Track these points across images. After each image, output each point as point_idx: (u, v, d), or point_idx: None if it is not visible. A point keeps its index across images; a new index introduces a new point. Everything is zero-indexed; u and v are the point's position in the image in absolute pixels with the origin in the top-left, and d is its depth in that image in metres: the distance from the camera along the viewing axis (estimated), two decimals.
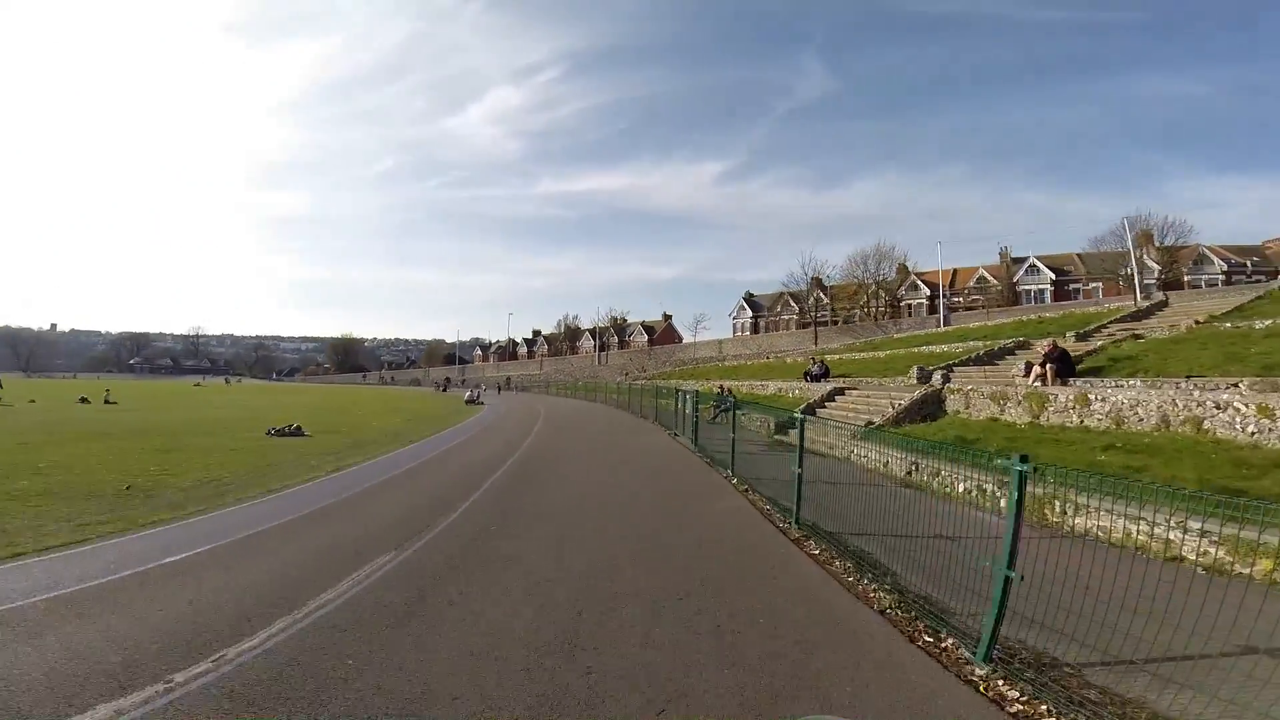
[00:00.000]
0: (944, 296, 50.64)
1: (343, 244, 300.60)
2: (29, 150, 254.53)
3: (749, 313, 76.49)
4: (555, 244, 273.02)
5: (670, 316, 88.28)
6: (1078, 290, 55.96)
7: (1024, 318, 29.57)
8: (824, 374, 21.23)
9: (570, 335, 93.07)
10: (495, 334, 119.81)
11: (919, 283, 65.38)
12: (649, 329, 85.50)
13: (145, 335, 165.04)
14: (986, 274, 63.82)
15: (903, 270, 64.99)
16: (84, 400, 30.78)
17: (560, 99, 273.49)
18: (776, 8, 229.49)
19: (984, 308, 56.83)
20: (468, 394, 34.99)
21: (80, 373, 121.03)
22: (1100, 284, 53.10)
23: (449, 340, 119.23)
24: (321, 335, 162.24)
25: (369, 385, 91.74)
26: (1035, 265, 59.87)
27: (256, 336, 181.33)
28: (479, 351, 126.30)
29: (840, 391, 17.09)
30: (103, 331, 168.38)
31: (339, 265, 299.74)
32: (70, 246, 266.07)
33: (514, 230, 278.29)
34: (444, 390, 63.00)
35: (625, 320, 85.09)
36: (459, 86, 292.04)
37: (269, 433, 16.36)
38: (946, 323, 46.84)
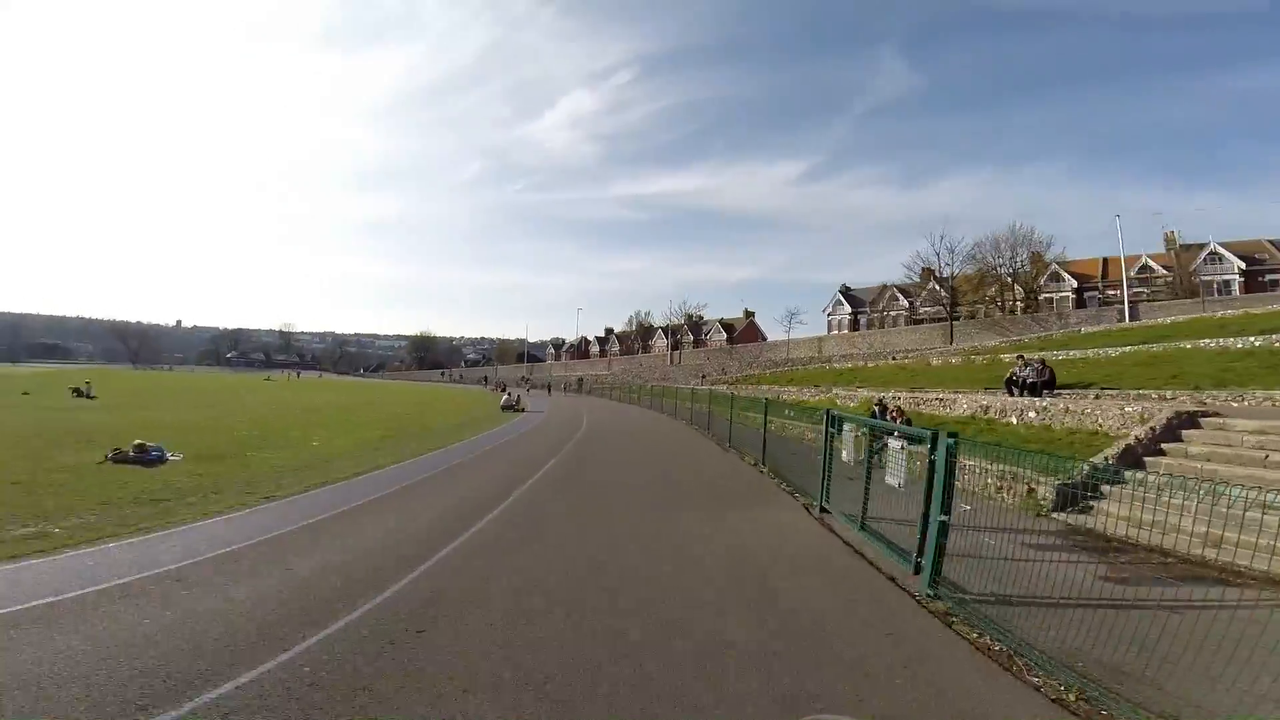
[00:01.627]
0: (1124, 286, 38.91)
1: (432, 246, 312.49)
2: (158, 164, 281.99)
3: (847, 308, 66.60)
4: (628, 245, 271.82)
5: (752, 313, 79.47)
6: (1275, 281, 45.70)
7: (1223, 313, 19.88)
8: (1048, 382, 12.35)
9: (643, 333, 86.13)
10: (575, 332, 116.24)
11: (1062, 273, 53.07)
12: (728, 327, 76.95)
13: (242, 330, 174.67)
14: (1152, 263, 51.46)
15: (1038, 259, 52.62)
16: (78, 393, 27.02)
17: (633, 101, 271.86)
18: (850, 7, 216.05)
19: (1149, 300, 45.06)
20: (504, 397, 28.24)
21: (186, 366, 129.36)
22: None
23: (531, 340, 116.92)
24: (410, 333, 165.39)
25: (428, 383, 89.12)
26: (1218, 252, 48.14)
27: (354, 334, 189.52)
28: (551, 350, 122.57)
29: (1193, 422, 8.08)
30: (220, 327, 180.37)
31: (428, 266, 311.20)
32: (192, 248, 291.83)
33: (588, 232, 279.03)
34: (502, 390, 57.76)
35: (701, 317, 76.59)
36: (536, 91, 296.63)
37: (109, 457, 9.94)
38: (1134, 316, 35.78)
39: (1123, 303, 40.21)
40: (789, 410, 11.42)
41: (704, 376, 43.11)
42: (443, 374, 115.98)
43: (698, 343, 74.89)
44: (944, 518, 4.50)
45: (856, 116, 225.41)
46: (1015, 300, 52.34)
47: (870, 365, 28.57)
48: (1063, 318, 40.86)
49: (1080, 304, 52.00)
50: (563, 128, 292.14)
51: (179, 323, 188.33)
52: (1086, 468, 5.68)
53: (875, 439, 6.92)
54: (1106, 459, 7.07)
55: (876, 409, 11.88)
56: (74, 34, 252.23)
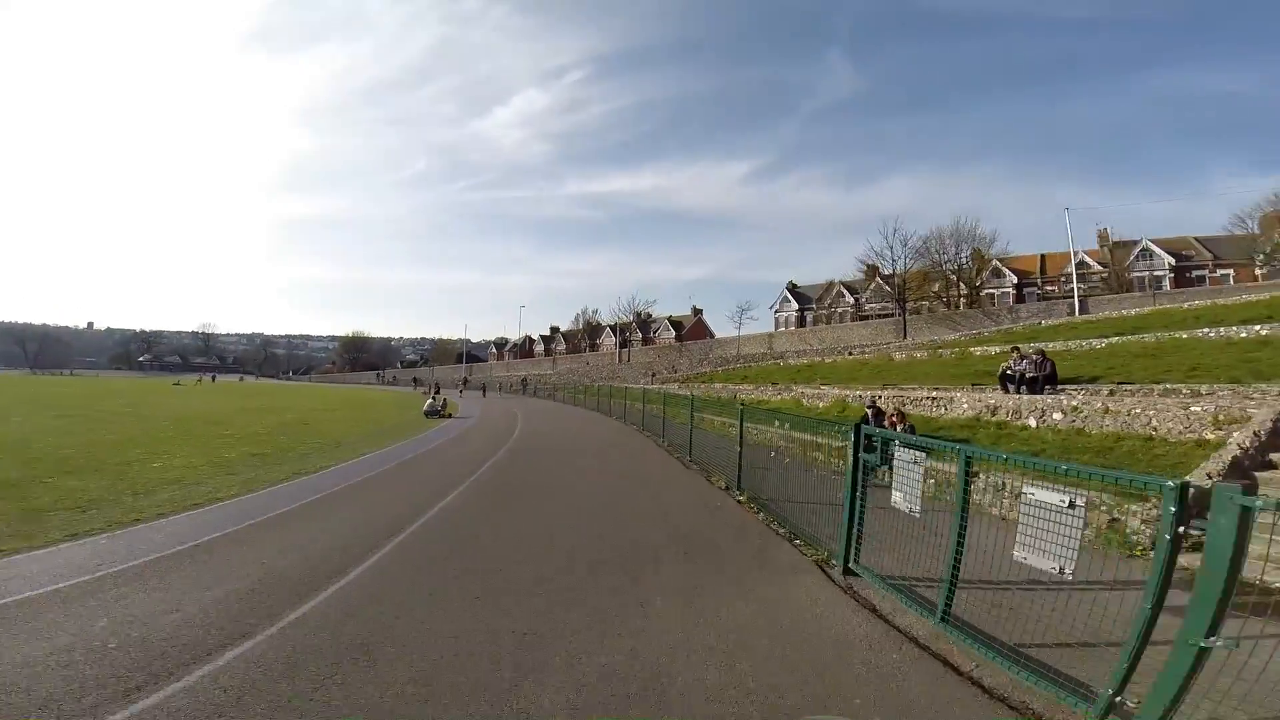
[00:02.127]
0: (1074, 281, 39.39)
1: (374, 246, 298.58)
2: (74, 159, 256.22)
3: (794, 305, 66.26)
4: (582, 245, 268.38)
5: (700, 310, 78.06)
6: (1203, 277, 47.60)
7: (1190, 304, 20.26)
8: (1050, 377, 10.73)
9: (590, 332, 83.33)
10: (524, 331, 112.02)
11: (1003, 269, 53.98)
12: (676, 324, 75.25)
13: (159, 333, 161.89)
14: (1088, 259, 53.22)
15: (979, 255, 53.50)
16: None
17: (586, 101, 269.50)
18: (800, 6, 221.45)
19: (1086, 296, 46.30)
20: (428, 401, 25.04)
21: (94, 370, 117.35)
22: (1233, 270, 46.02)
23: (474, 339, 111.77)
24: (344, 335, 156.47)
25: (357, 386, 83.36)
26: (1149, 249, 49.80)
27: (284, 336, 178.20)
28: (494, 350, 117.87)
29: None
30: (138, 330, 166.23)
31: (369, 267, 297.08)
32: (107, 248, 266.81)
33: (541, 231, 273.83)
34: (435, 392, 53.92)
35: (650, 315, 74.47)
36: (486, 89, 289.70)
37: None
38: (1083, 310, 36.24)
39: (1073, 297, 40.72)
40: (781, 421, 9.06)
41: (654, 375, 40.98)
42: (378, 376, 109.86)
43: (646, 340, 72.80)
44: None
45: (803, 117, 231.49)
46: (959, 296, 52.92)
47: (828, 361, 27.11)
48: (1012, 312, 41.02)
49: (1019, 299, 52.93)
50: (514, 126, 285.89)
51: (90, 325, 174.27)
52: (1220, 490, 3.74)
53: (871, 449, 4.79)
54: (1210, 476, 5.24)
55: (870, 413, 9.90)
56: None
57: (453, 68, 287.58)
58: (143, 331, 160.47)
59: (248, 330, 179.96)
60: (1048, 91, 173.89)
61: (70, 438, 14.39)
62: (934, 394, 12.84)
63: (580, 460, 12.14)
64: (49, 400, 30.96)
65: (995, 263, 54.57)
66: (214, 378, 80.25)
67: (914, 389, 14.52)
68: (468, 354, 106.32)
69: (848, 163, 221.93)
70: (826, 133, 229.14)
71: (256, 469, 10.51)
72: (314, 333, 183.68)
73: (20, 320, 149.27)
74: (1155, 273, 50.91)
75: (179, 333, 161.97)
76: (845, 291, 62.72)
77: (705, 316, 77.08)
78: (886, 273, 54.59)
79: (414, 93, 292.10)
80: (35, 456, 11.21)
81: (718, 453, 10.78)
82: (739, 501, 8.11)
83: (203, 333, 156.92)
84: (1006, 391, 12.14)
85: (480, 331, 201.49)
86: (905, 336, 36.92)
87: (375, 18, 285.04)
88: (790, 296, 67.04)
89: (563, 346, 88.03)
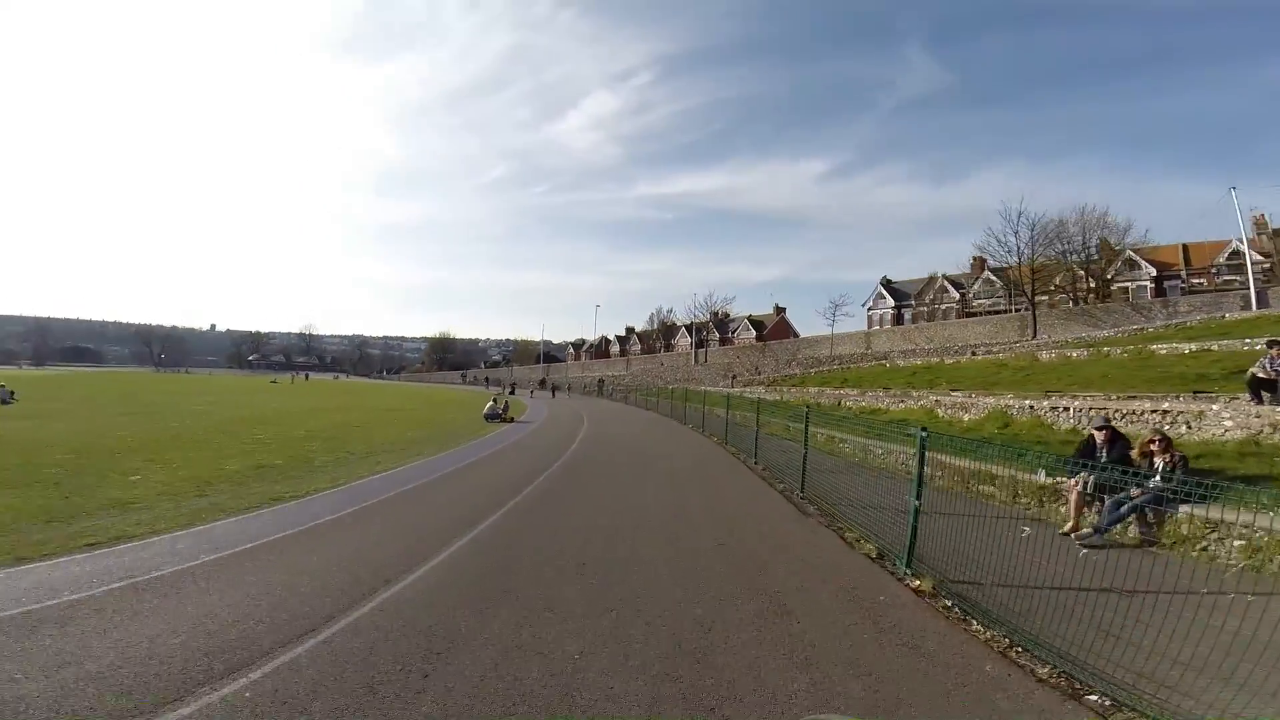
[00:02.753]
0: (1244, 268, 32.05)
1: (458, 249, 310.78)
2: (204, 177, 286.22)
3: (890, 301, 60.32)
4: (652, 245, 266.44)
5: (783, 309, 73.05)
6: None
7: None
8: None
9: (665, 332, 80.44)
10: (599, 332, 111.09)
11: (1139, 260, 46.05)
12: (757, 324, 70.75)
13: (267, 334, 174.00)
14: (1241, 248, 44.39)
15: (1107, 246, 45.39)
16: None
17: (654, 102, 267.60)
18: (872, 6, 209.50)
19: (1266, 286, 37.85)
20: (489, 404, 22.76)
21: (208, 369, 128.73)
22: None
23: (555, 340, 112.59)
24: (432, 336, 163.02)
25: (440, 385, 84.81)
26: None
27: (383, 337, 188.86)
28: (571, 350, 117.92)
29: None
30: (264, 331, 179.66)
31: (455, 269, 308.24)
32: (227, 256, 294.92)
33: (612, 232, 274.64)
34: (504, 392, 52.99)
35: (728, 314, 70.07)
36: (557, 94, 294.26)
37: None
38: (1261, 302, 29.37)
39: (1239, 288, 33.51)
40: (973, 448, 5.71)
41: (734, 377, 37.36)
42: (461, 375, 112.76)
43: (724, 340, 68.85)
44: None
45: (884, 113, 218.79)
46: (1087, 290, 45.45)
47: (948, 363, 22.56)
48: (1168, 306, 34.09)
49: (1159, 293, 45.30)
50: (585, 129, 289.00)
51: (213, 327, 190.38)
52: None
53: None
54: None
55: (1097, 436, 6.23)
56: (106, 45, 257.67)
57: (525, 73, 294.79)
58: (254, 333, 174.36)
59: (350, 332, 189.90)
60: (1144, 84, 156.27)
61: (90, 439, 13.10)
62: (1161, 406, 8.77)
63: (645, 494, 8.96)
64: (138, 396, 31.85)
65: (1130, 253, 46.24)
66: (307, 376, 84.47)
67: (1103, 398, 10.42)
68: (547, 354, 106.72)
69: (932, 158, 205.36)
70: (909, 128, 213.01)
71: (233, 490, 8.27)
72: (408, 334, 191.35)
73: (153, 323, 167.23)
74: None
75: (286, 334, 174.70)
76: (949, 286, 56.21)
77: (788, 316, 72.25)
78: (996, 265, 48.15)
79: (489, 99, 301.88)
80: (17, 462, 9.63)
81: (852, 491, 7.38)
82: (911, 587, 4.72)
83: (305, 333, 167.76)
84: (1260, 401, 8.40)
85: (555, 331, 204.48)
86: (1035, 334, 31.21)
87: (451, 25, 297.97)
88: (885, 292, 61.15)
89: (638, 347, 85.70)
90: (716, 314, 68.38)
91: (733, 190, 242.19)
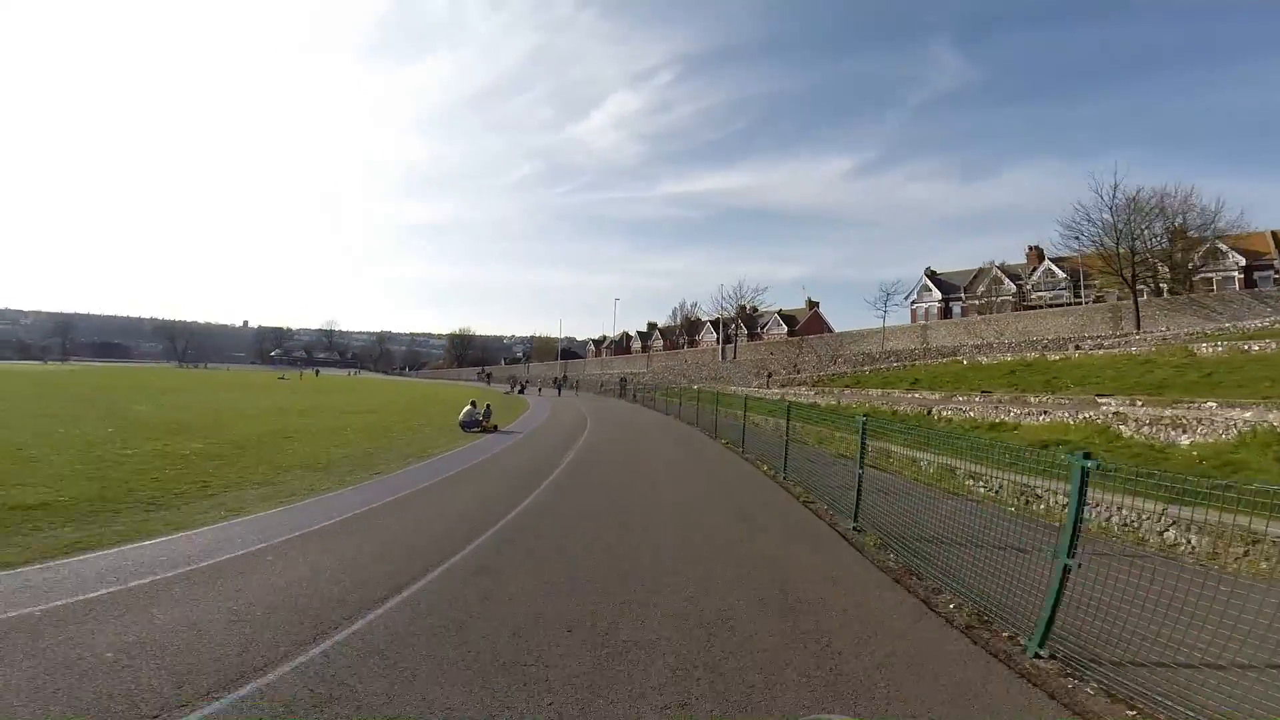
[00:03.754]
0: None
1: (483, 247, 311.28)
2: (239, 179, 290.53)
3: (936, 294, 55.39)
4: (676, 244, 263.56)
5: (816, 303, 68.17)
6: None
7: None
8: None
9: (689, 327, 76.01)
10: (619, 329, 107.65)
11: (1223, 248, 40.30)
12: (788, 318, 65.94)
13: (290, 330, 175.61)
14: None
15: (1179, 233, 38.55)
16: None
17: (677, 101, 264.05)
18: (898, 3, 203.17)
19: None
20: (466, 408, 17.55)
21: (228, 364, 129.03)
22: None
23: (579, 337, 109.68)
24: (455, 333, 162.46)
25: (455, 382, 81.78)
26: None
27: (408, 333, 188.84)
28: (591, 347, 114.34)
29: None
30: (291, 328, 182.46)
31: (480, 267, 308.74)
32: (260, 254, 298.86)
33: (635, 231, 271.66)
34: (519, 389, 49.35)
35: (756, 308, 64.67)
36: (580, 94, 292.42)
37: None
38: None
39: None
40: None
41: (769, 375, 32.86)
42: (478, 372, 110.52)
43: (753, 336, 64.12)
44: None
45: (910, 110, 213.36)
46: (1170, 279, 39.61)
47: (1053, 359, 17.75)
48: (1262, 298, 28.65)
49: (1249, 284, 39.53)
50: (608, 129, 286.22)
51: (245, 323, 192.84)
52: None
53: None
54: None
55: None
56: (142, 48, 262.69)
57: (547, 73, 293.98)
58: (279, 328, 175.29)
59: (376, 328, 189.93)
60: (1181, 79, 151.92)
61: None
62: None
63: (663, 569, 4.61)
64: (89, 397, 28.70)
65: (1213, 240, 39.76)
66: (317, 372, 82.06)
67: None
68: (567, 351, 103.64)
69: (961, 155, 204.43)
70: (937, 125, 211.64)
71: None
72: (432, 330, 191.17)
73: (187, 319, 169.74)
74: None
75: (312, 330, 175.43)
76: (1004, 277, 50.86)
77: (821, 311, 67.21)
78: (1055, 255, 42.65)
79: (513, 99, 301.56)
80: None
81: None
82: None
83: (327, 329, 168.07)
84: None
85: (574, 328, 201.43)
86: (1139, 326, 26.06)
87: (475, 27, 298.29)
88: (931, 284, 56.03)
89: (660, 343, 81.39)
90: (745, 307, 63.37)
91: (756, 188, 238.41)
